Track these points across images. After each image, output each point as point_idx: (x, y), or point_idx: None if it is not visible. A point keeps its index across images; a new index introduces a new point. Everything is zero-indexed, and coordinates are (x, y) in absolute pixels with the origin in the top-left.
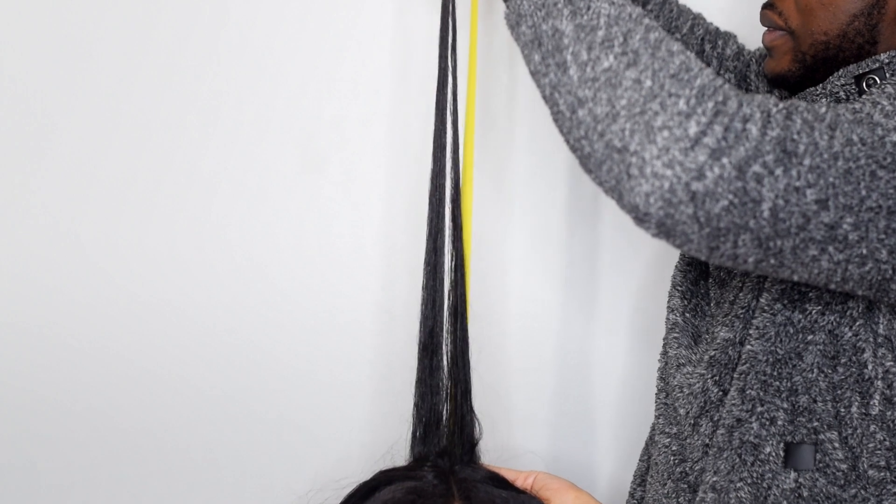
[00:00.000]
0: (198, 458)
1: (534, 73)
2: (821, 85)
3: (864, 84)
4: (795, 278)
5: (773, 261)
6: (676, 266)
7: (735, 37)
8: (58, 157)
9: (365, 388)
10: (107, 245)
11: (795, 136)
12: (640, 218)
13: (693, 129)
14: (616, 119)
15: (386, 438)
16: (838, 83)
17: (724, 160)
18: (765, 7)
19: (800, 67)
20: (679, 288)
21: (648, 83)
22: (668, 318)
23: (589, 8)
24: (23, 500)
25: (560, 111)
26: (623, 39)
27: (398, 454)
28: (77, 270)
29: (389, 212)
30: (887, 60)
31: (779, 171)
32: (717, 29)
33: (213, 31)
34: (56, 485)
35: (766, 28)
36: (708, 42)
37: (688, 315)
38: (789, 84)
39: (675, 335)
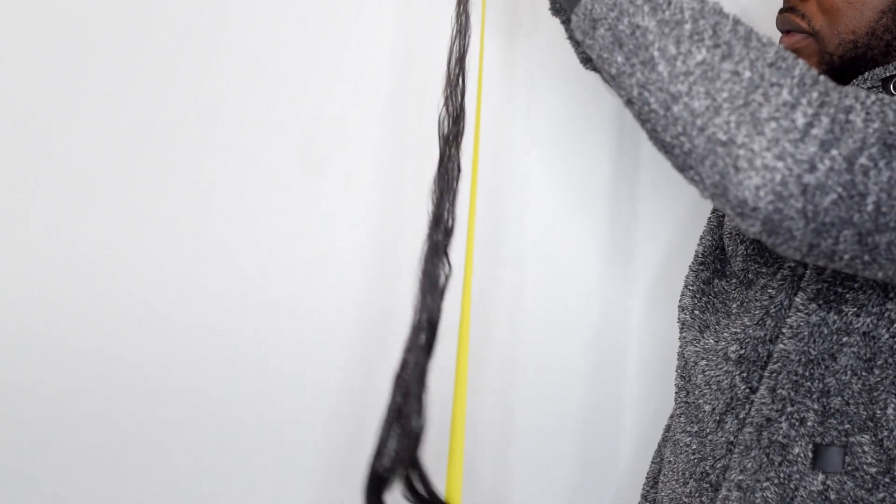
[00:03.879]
0: (199, 460)
1: (616, 76)
2: (847, 86)
3: (892, 86)
4: (880, 276)
5: (867, 257)
6: (690, 267)
7: None
8: (58, 159)
9: (364, 389)
10: (107, 246)
11: (892, 129)
12: (747, 214)
13: (801, 119)
14: (719, 112)
15: None
16: (864, 87)
17: (834, 152)
18: (784, 11)
19: (827, 70)
20: (690, 288)
21: (748, 74)
22: (678, 318)
23: (670, 2)
24: (25, 500)
25: (652, 109)
26: (713, 31)
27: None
28: (77, 272)
29: (389, 212)
30: None
31: (882, 164)
32: None
33: (213, 31)
34: (57, 487)
35: (782, 32)
36: None
37: (696, 312)
38: None
39: (684, 334)
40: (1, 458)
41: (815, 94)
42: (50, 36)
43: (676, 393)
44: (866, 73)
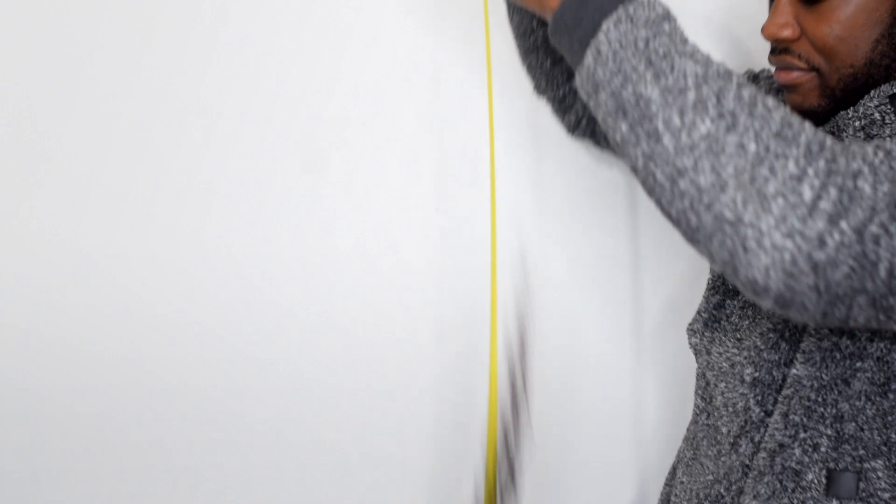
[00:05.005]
0: (199, 460)
1: (622, 143)
2: (852, 109)
3: None
4: None
5: (881, 317)
6: (703, 294)
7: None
8: (58, 159)
9: (363, 389)
10: (107, 246)
11: None
12: (758, 292)
13: (808, 193)
14: (725, 189)
15: (382, 439)
16: (872, 104)
17: (843, 224)
18: (777, 53)
19: (830, 102)
20: (703, 314)
21: (753, 147)
22: (689, 342)
23: (673, 68)
24: (24, 500)
25: (658, 182)
26: (717, 100)
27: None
28: (77, 272)
29: (390, 212)
30: None
31: (893, 229)
32: None
33: (214, 31)
34: (57, 487)
35: (779, 69)
36: None
37: (706, 334)
38: (819, 118)
39: (700, 359)
40: (2, 459)
41: (821, 163)
42: (50, 36)
43: (697, 415)
44: (872, 92)
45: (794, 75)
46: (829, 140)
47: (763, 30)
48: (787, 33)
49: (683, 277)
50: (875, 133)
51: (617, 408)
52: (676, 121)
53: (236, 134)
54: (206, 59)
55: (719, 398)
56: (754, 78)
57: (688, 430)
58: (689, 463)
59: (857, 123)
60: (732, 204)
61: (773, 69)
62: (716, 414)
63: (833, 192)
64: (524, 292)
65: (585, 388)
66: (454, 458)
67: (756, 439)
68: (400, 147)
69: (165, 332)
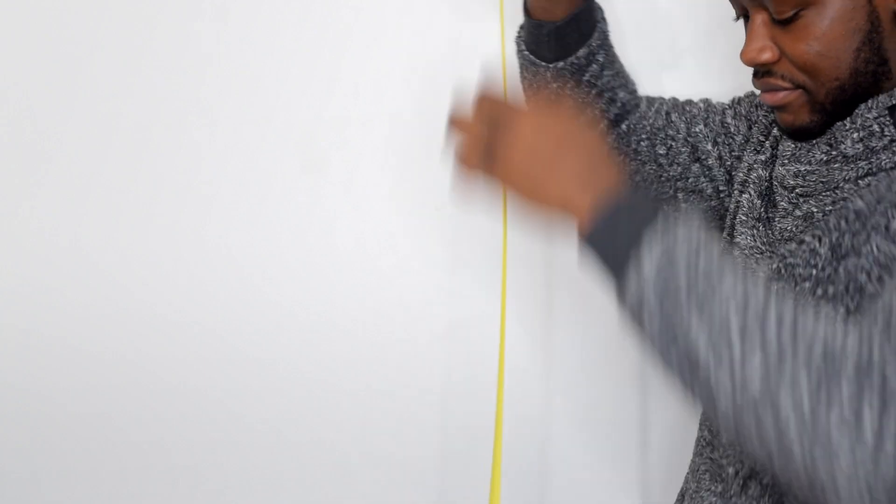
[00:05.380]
0: (199, 460)
1: (682, 388)
2: (849, 120)
3: None
4: None
5: None
6: None
7: (687, 102)
8: (58, 159)
9: (363, 389)
10: (107, 246)
11: None
12: None
13: (869, 436)
14: (791, 456)
15: (383, 439)
16: (870, 116)
17: None
18: (759, 76)
19: (821, 117)
20: None
21: (804, 392)
22: None
23: (715, 323)
24: (24, 500)
25: (731, 431)
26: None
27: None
28: (77, 272)
29: (390, 212)
30: None
31: None
32: (675, 99)
33: (214, 31)
34: (57, 487)
35: (764, 92)
36: (674, 111)
37: None
38: (815, 133)
39: None
40: (2, 458)
41: (875, 397)
42: (50, 36)
43: (703, 447)
44: (871, 102)
45: (781, 96)
46: (875, 350)
47: (742, 55)
48: (766, 56)
49: None
50: (875, 145)
51: (624, 423)
52: (727, 384)
53: (236, 134)
54: (206, 59)
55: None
56: (738, 103)
57: (692, 461)
58: (693, 495)
59: (855, 135)
60: (802, 461)
61: (758, 92)
62: (721, 450)
63: (892, 426)
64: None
65: (598, 402)
66: (454, 458)
67: (764, 482)
68: (400, 147)
69: (165, 332)
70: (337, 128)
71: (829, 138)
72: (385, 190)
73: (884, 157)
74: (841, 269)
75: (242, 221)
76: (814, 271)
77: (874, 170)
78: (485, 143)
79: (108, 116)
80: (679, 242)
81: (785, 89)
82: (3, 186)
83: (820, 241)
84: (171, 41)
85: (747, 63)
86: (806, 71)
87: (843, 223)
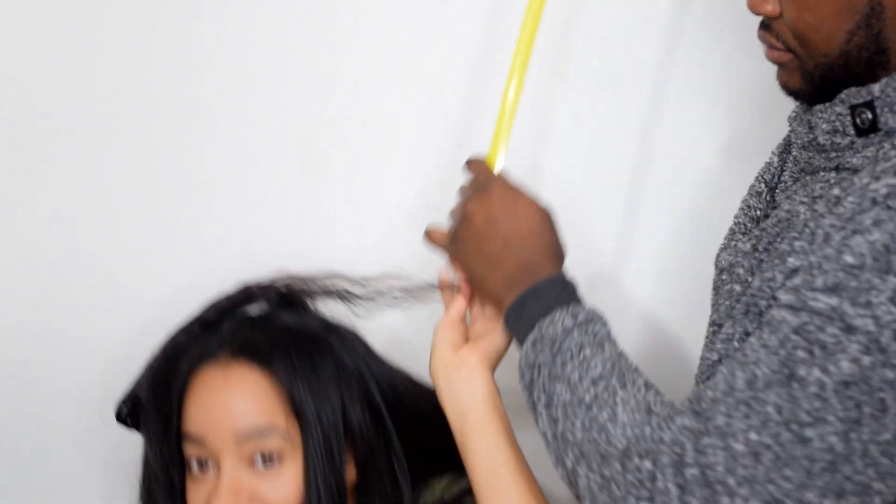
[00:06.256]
0: None
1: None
2: (829, 104)
3: (858, 118)
4: None
5: None
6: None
7: None
8: (58, 160)
9: None
10: (106, 246)
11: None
12: None
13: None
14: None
15: None
16: (838, 109)
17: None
18: (761, 27)
19: (811, 87)
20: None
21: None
22: None
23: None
24: (23, 501)
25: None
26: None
27: None
28: (78, 273)
29: (390, 212)
30: (878, 93)
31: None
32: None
33: (214, 31)
34: (57, 487)
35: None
36: None
37: None
38: (806, 99)
39: None
40: (1, 458)
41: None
42: (50, 36)
43: None
44: (844, 93)
45: (775, 54)
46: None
47: (748, 1)
48: (767, 8)
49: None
50: (839, 142)
51: None
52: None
53: (236, 134)
54: (206, 59)
55: None
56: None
57: None
58: None
59: (824, 126)
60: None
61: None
62: None
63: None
64: None
65: None
66: None
67: None
68: (400, 147)
69: (165, 332)
70: (337, 128)
71: (809, 119)
72: (385, 190)
73: (848, 155)
74: (755, 282)
75: (242, 221)
76: (748, 277)
77: (842, 166)
78: (452, 225)
79: (108, 116)
80: (548, 338)
81: (777, 49)
82: (3, 186)
83: (756, 242)
84: (170, 41)
85: (750, 8)
86: (798, 38)
87: (775, 228)
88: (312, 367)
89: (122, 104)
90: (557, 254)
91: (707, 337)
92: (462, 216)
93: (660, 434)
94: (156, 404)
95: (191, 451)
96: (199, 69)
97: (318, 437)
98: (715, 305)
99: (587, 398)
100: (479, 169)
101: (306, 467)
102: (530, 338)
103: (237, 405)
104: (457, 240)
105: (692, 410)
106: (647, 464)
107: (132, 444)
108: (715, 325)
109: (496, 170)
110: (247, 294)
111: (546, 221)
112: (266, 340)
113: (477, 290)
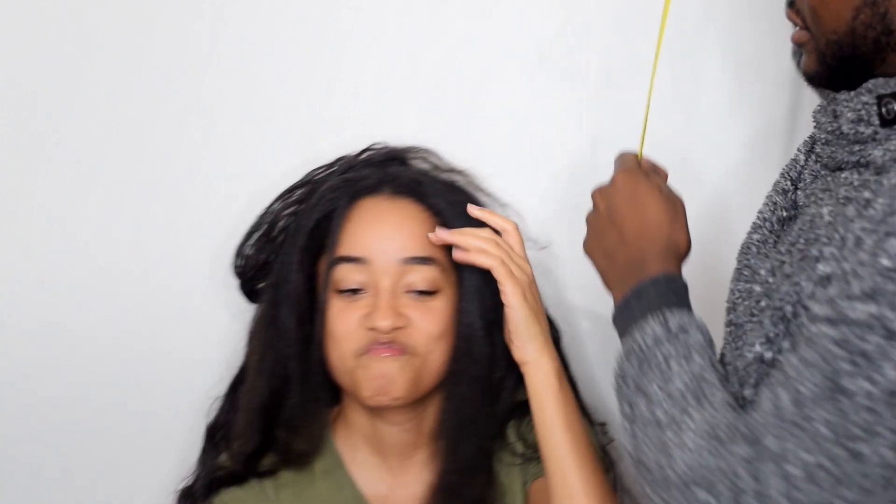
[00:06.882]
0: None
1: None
2: (855, 92)
3: (884, 108)
4: None
5: None
6: None
7: None
8: (58, 160)
9: None
10: (106, 245)
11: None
12: None
13: None
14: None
15: None
16: (864, 99)
17: None
18: (787, 5)
19: (825, 69)
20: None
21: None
22: None
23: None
24: (23, 500)
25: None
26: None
27: None
28: (78, 273)
29: None
30: None
31: None
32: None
33: (214, 31)
34: (56, 484)
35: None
36: None
37: None
38: (823, 84)
39: None
40: (2, 456)
41: None
42: (50, 36)
43: None
44: (872, 83)
45: (797, 33)
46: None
47: None
48: None
49: None
50: (863, 132)
51: None
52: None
53: (236, 134)
54: (206, 59)
55: None
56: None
57: None
58: None
59: (850, 115)
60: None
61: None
62: None
63: None
64: None
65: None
66: None
67: None
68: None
69: (166, 332)
70: (337, 128)
71: (833, 108)
72: None
73: (870, 148)
74: (783, 286)
75: (242, 221)
76: (770, 278)
77: (864, 160)
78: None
79: (108, 116)
80: (636, 348)
81: (799, 26)
82: (3, 186)
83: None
84: (170, 41)
85: None
86: (810, 14)
87: (798, 230)
88: (467, 216)
89: (121, 104)
90: (673, 250)
91: (725, 338)
92: (595, 206)
93: (717, 462)
94: (310, 228)
95: (346, 273)
96: (199, 69)
97: (474, 277)
98: (732, 303)
99: (662, 417)
100: (620, 160)
101: (459, 305)
102: (624, 346)
103: (403, 233)
104: (587, 228)
105: (743, 437)
106: (704, 494)
107: (132, 444)
108: (733, 325)
109: (636, 160)
110: (392, 154)
111: (667, 214)
112: (428, 184)
113: (603, 282)
